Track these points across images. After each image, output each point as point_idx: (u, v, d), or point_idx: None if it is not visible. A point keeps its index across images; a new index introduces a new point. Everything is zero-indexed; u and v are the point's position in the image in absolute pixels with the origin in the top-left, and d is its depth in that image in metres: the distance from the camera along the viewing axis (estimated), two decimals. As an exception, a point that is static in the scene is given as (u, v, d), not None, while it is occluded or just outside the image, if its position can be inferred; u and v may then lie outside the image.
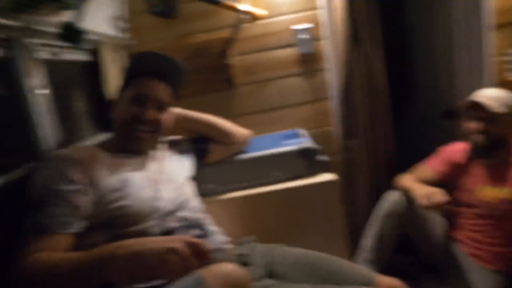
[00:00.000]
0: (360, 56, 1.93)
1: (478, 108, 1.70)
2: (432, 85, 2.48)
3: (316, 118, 2.10)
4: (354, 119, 1.92)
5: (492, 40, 1.90)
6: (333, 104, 2.06)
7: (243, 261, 1.21)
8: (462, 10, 1.98)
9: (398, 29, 2.98)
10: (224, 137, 1.52)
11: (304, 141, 1.63)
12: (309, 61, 2.04)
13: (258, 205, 1.49)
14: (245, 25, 1.97)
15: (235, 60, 2.02)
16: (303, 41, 1.98)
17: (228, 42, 1.99)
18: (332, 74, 2.01)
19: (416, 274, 2.05)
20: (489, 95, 1.70)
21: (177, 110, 1.41)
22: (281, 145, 1.62)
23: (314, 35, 1.99)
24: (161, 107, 1.22)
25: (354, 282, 1.23)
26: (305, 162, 1.52)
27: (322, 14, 1.98)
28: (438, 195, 1.60)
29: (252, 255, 1.26)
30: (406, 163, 2.13)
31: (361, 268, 1.31)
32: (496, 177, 1.76)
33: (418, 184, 1.79)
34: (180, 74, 1.30)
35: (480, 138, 1.71)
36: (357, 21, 1.90)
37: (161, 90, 1.22)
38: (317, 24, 1.99)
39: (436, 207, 1.58)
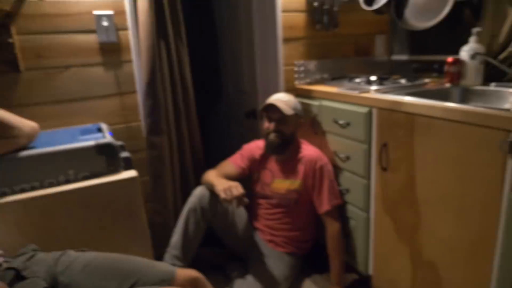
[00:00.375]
0: (165, 51, 1.89)
1: (272, 110, 1.89)
2: (238, 88, 2.64)
3: (122, 112, 1.97)
4: (159, 114, 1.87)
5: (285, 51, 2.15)
6: (136, 98, 1.97)
7: (17, 275, 1.05)
8: (261, 23, 2.16)
9: (210, 32, 3.09)
10: (2, 129, 1.28)
11: (105, 137, 1.51)
12: (113, 51, 1.89)
13: (48, 208, 1.29)
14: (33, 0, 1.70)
15: (19, 39, 1.71)
16: (105, 28, 1.82)
17: (9, 17, 1.68)
18: (135, 66, 1.92)
19: (223, 263, 2.15)
20: (281, 99, 1.90)
21: None
22: (78, 141, 1.46)
23: (118, 23, 1.86)
24: None
25: (154, 279, 1.19)
26: (105, 159, 1.41)
27: (123, 2, 1.86)
28: (234, 189, 1.70)
29: (30, 267, 1.10)
30: (216, 159, 2.21)
31: (160, 264, 1.28)
32: (287, 171, 1.99)
33: (219, 179, 1.88)
34: None
35: (273, 136, 1.91)
36: (161, 14, 1.86)
37: None
38: (122, 13, 1.86)
39: (232, 200, 1.67)
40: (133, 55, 1.91)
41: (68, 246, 1.26)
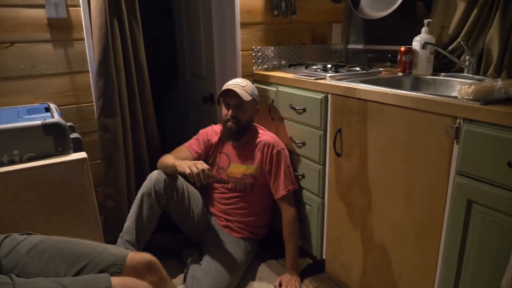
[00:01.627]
0: (118, 29, 1.81)
1: (230, 96, 1.88)
2: (195, 72, 2.60)
3: (73, 92, 1.88)
4: (112, 95, 1.80)
5: (243, 36, 2.13)
6: (87, 78, 1.89)
7: None
8: (219, 6, 2.12)
9: (166, 13, 3.01)
10: None
11: (53, 117, 1.43)
12: (63, 28, 1.79)
13: None
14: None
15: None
16: (54, 3, 1.72)
17: None
18: (87, 45, 1.83)
19: (178, 249, 2.13)
20: (239, 84, 1.89)
21: None
22: (24, 120, 1.38)
23: (66, -2, 1.77)
24: None
25: (105, 263, 1.16)
26: (53, 139, 1.34)
27: None
28: (199, 164, 1.70)
29: None
30: (173, 143, 2.17)
31: (112, 248, 1.24)
32: (244, 156, 1.99)
33: (180, 160, 1.85)
34: None
35: (231, 123, 1.90)
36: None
37: None
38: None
39: (198, 174, 1.66)
40: (85, 33, 1.82)
41: (12, 230, 1.20)
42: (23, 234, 1.19)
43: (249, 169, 1.97)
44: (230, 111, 1.89)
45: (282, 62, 2.29)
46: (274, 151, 1.92)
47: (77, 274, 1.13)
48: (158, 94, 3.06)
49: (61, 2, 1.74)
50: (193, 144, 2.04)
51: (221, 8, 2.12)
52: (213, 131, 2.06)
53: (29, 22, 1.72)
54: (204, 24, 2.31)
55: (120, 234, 1.84)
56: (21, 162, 1.29)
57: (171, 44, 2.98)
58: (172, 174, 1.88)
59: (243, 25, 2.12)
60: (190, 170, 1.68)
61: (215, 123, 2.15)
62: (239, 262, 1.91)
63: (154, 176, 1.87)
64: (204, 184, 1.70)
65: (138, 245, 1.82)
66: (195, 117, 2.71)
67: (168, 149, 2.08)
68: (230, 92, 1.87)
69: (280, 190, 1.91)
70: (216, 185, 2.06)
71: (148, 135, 2.07)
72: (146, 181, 1.88)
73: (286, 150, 1.96)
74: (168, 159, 1.91)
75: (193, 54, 2.59)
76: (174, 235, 2.19)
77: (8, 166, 1.26)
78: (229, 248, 1.94)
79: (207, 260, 1.88)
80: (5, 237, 1.14)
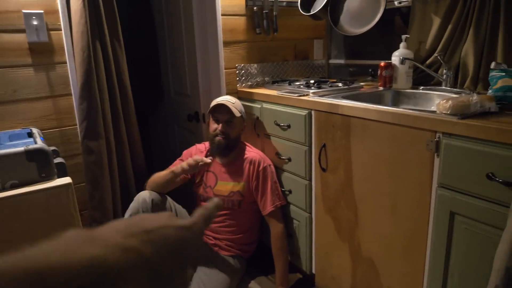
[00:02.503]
0: (100, 51, 1.82)
1: (221, 112, 1.89)
2: (180, 90, 2.60)
3: (56, 116, 1.87)
4: (96, 118, 1.80)
5: (226, 54, 2.15)
6: (71, 101, 1.87)
7: None
8: (202, 25, 2.15)
9: (148, 33, 3.02)
10: None
11: (36, 142, 1.42)
12: (44, 52, 1.78)
13: None
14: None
15: None
16: (34, 27, 1.72)
17: None
18: (69, 68, 1.83)
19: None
20: (230, 101, 1.91)
21: None
22: (6, 146, 1.36)
23: (50, 23, 1.76)
24: None
25: None
26: (36, 165, 1.32)
27: (56, 1, 1.77)
28: (192, 159, 1.78)
29: None
30: (159, 163, 2.16)
31: None
32: (231, 173, 1.99)
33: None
34: None
35: (220, 138, 1.91)
36: (97, 13, 1.79)
37: None
38: (54, 12, 1.77)
39: (197, 163, 1.75)
40: (67, 56, 1.82)
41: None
42: None
43: (236, 186, 1.97)
44: (220, 126, 1.90)
45: (266, 79, 2.32)
46: (261, 168, 1.92)
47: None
48: (143, 113, 3.06)
49: (42, 26, 1.73)
50: (177, 165, 2.03)
51: (203, 28, 2.15)
52: (197, 150, 2.06)
53: (10, 47, 1.71)
54: (187, 43, 2.33)
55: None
56: (3, 190, 1.27)
57: (154, 64, 2.98)
58: (167, 184, 1.87)
59: (226, 43, 2.14)
60: (198, 160, 1.77)
61: (200, 141, 2.15)
62: (229, 281, 1.90)
63: (141, 196, 1.86)
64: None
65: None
66: (181, 135, 2.71)
67: (154, 168, 2.07)
68: (221, 108, 1.88)
69: (268, 206, 1.92)
70: (204, 203, 2.05)
71: (134, 155, 2.06)
72: (133, 202, 1.87)
73: (272, 166, 1.97)
74: (160, 173, 1.92)
75: (177, 73, 2.60)
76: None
77: (-10, 194, 1.24)
78: (218, 267, 1.93)
79: (197, 280, 1.86)
80: None
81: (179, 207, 2.01)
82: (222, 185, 2.00)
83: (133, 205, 1.85)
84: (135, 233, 0.35)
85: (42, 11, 1.73)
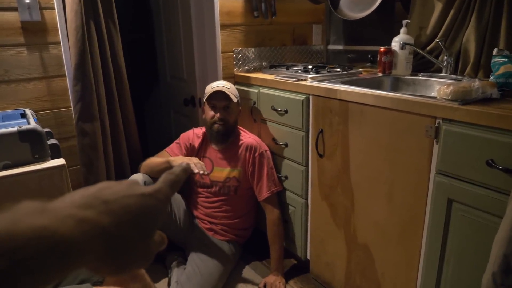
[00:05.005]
0: (95, 32, 1.78)
1: (218, 98, 1.86)
2: (176, 75, 2.57)
3: (50, 97, 1.84)
4: (90, 99, 1.77)
5: (223, 38, 2.12)
6: (64, 83, 1.84)
7: None
8: (199, 9, 2.10)
9: (144, 15, 2.97)
10: None
11: (29, 122, 1.39)
12: (37, 31, 1.74)
13: None
14: None
15: None
16: (27, 5, 1.67)
17: None
18: (63, 49, 1.79)
19: (161, 253, 2.09)
20: (225, 87, 1.88)
21: None
22: (-2, 127, 1.34)
23: (43, 2, 1.71)
24: None
25: (86, 271, 1.13)
26: (29, 146, 1.30)
27: None
28: (195, 159, 1.74)
29: None
30: (155, 147, 2.14)
31: None
32: (227, 159, 1.97)
33: (171, 158, 1.86)
34: None
35: (219, 125, 1.88)
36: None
37: None
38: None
39: (201, 169, 1.70)
40: (60, 36, 1.78)
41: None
42: None
43: (232, 172, 1.96)
44: (218, 113, 1.88)
45: (263, 64, 2.29)
46: (257, 153, 1.91)
47: (58, 284, 1.10)
48: (138, 97, 3.02)
49: (35, 5, 1.69)
50: (174, 149, 2.01)
51: (200, 10, 2.11)
52: (194, 135, 2.04)
53: (1, 25, 1.67)
54: (184, 26, 2.29)
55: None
56: (-5, 170, 1.25)
57: (150, 47, 2.94)
58: (162, 172, 1.85)
59: (223, 26, 2.11)
60: (198, 169, 1.71)
61: (196, 125, 2.13)
62: (223, 265, 1.89)
63: (134, 179, 1.83)
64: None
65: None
66: (177, 119, 2.68)
67: (149, 152, 2.05)
68: (218, 94, 1.85)
69: (264, 192, 1.91)
70: (200, 189, 2.04)
71: (129, 139, 2.04)
72: (126, 185, 1.85)
73: (268, 152, 1.95)
74: (156, 159, 1.89)
75: (173, 57, 2.56)
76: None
77: (-18, 175, 1.21)
78: (213, 252, 1.93)
79: (191, 264, 1.86)
80: None
81: (175, 196, 1.99)
82: (218, 171, 1.98)
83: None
84: (92, 204, 0.35)
85: (35, -11, 1.69)
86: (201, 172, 1.69)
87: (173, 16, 2.41)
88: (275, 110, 1.87)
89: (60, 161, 1.30)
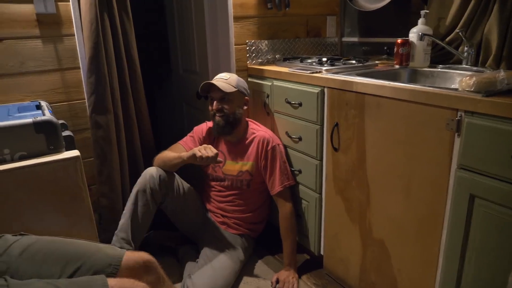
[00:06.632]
0: (109, 24, 1.77)
1: (214, 90, 1.84)
2: (189, 68, 2.56)
3: (64, 90, 1.84)
4: (104, 92, 1.77)
5: (236, 30, 2.09)
6: (79, 75, 1.84)
7: None
8: (212, 1, 2.08)
9: (157, 7, 2.96)
10: None
11: (44, 114, 1.39)
12: (51, 24, 1.74)
13: None
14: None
15: None
16: (41, -3, 1.68)
17: None
18: (77, 41, 1.79)
19: (174, 246, 2.10)
20: (221, 78, 1.87)
21: None
22: (15, 118, 1.33)
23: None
24: None
25: (100, 264, 1.13)
26: (45, 137, 1.30)
27: None
28: (208, 149, 1.70)
29: None
30: (167, 140, 2.14)
31: (107, 248, 1.21)
32: (238, 153, 1.96)
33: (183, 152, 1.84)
34: None
35: (218, 117, 1.87)
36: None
37: None
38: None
39: (209, 156, 1.67)
40: (75, 29, 1.77)
41: (5, 231, 1.17)
42: (16, 235, 1.16)
43: (244, 166, 1.94)
44: (214, 104, 1.86)
45: (277, 56, 2.26)
46: (269, 147, 1.89)
47: (72, 275, 1.10)
48: (150, 89, 3.02)
49: (50, -3, 1.69)
50: (188, 142, 2.00)
51: (213, 2, 2.08)
52: (208, 128, 2.02)
53: (17, 17, 1.68)
54: (197, 18, 2.27)
55: (115, 232, 1.81)
56: (12, 161, 1.25)
57: (163, 39, 2.93)
58: (174, 167, 1.85)
59: (236, 18, 2.08)
60: (200, 152, 1.68)
61: (208, 119, 2.11)
62: (236, 259, 1.88)
63: (149, 172, 1.84)
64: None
65: (134, 243, 1.79)
66: (189, 112, 2.67)
67: (162, 145, 2.05)
68: (211, 87, 1.84)
69: (276, 186, 1.89)
70: (213, 182, 2.03)
71: (142, 131, 2.03)
72: (140, 178, 1.85)
73: (281, 146, 1.93)
74: (169, 153, 1.88)
75: (186, 49, 2.55)
76: (170, 233, 2.16)
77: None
78: (226, 245, 1.92)
79: (203, 257, 1.85)
80: None
81: (186, 185, 1.99)
82: (230, 164, 1.97)
83: (140, 181, 1.83)
84: None
85: (49, -20, 1.69)
86: (206, 155, 1.67)
87: (186, 8, 2.39)
88: (289, 103, 1.85)
89: (75, 153, 1.30)
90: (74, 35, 1.79)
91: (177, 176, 1.93)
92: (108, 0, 1.76)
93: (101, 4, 1.72)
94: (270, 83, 1.99)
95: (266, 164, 1.90)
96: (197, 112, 2.48)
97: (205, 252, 1.89)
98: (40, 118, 1.29)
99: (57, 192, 1.27)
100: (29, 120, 1.27)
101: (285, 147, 1.95)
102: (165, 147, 1.99)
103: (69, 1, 1.74)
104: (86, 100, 1.84)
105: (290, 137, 1.90)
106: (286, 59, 2.17)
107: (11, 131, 1.24)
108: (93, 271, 1.12)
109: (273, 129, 2.01)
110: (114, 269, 1.14)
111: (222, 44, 2.13)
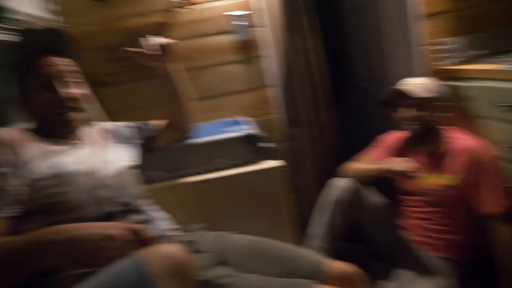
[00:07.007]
0: (299, 44, 1.90)
1: (405, 96, 1.72)
2: (367, 75, 2.50)
3: (256, 106, 2.04)
4: (296, 106, 1.88)
5: (422, 29, 1.94)
6: (274, 92, 2.00)
7: (192, 248, 1.10)
8: (393, 4, 2.00)
9: (334, 19, 3.01)
10: (182, 118, 1.39)
11: (247, 128, 1.54)
12: (247, 48, 1.97)
13: (204, 192, 1.41)
14: (180, 10, 1.88)
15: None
16: (239, 27, 1.92)
17: (162, 27, 1.87)
18: (271, 61, 1.96)
19: (366, 262, 2.01)
20: (412, 83, 1.73)
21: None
22: (226, 132, 1.53)
23: (250, 21, 1.93)
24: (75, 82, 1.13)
25: (307, 267, 1.16)
26: (250, 148, 1.44)
27: (255, 1, 1.93)
28: (404, 161, 1.64)
29: (202, 242, 1.16)
30: (349, 152, 2.11)
31: (312, 253, 1.24)
32: (435, 164, 1.76)
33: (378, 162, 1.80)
34: (66, 43, 1.19)
35: (414, 125, 1.73)
36: (293, 8, 1.86)
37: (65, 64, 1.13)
38: (255, 11, 1.93)
39: (411, 172, 1.61)
40: (266, 50, 1.95)
41: (221, 228, 1.28)
42: (229, 233, 1.28)
43: (446, 180, 1.73)
44: (408, 111, 1.73)
45: (476, 53, 1.99)
46: (477, 158, 1.64)
47: (278, 276, 1.14)
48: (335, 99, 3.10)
49: (245, 26, 1.92)
50: (374, 152, 1.92)
51: (393, 1, 2.00)
52: (394, 138, 1.90)
53: (220, 47, 1.96)
54: (374, 23, 2.21)
55: (307, 240, 1.83)
56: (225, 169, 1.42)
57: (342, 48, 2.96)
58: (367, 179, 1.81)
59: (424, 16, 1.92)
60: (396, 165, 1.64)
61: (393, 129, 1.99)
62: (436, 286, 1.69)
63: (342, 183, 1.81)
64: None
65: (330, 253, 1.77)
66: (371, 122, 2.60)
67: (346, 155, 2.02)
68: (401, 93, 1.71)
69: (486, 205, 1.62)
70: (408, 197, 1.88)
71: (333, 142, 2.07)
72: (333, 188, 1.82)
73: (491, 157, 1.67)
74: (361, 165, 1.86)
75: (366, 57, 2.51)
76: (361, 247, 2.09)
77: (217, 172, 1.40)
78: (425, 269, 1.73)
79: (401, 280, 1.73)
80: (217, 235, 1.23)
81: (379, 198, 1.90)
82: (428, 177, 1.79)
83: (336, 192, 1.80)
84: None
85: (245, 12, 1.92)
86: (402, 168, 1.58)
87: (369, 16, 2.35)
88: (498, 106, 1.60)
89: (279, 162, 1.39)
90: (263, 57, 1.98)
91: (369, 188, 1.87)
92: (299, 22, 1.88)
93: (291, 27, 1.86)
94: (471, 84, 1.78)
95: (473, 179, 1.65)
96: (380, 121, 2.39)
97: (401, 274, 1.75)
98: (246, 131, 1.44)
99: (262, 197, 1.38)
100: (239, 133, 1.43)
101: (498, 158, 1.68)
102: (350, 155, 1.96)
103: (262, 27, 1.94)
104: (280, 115, 1.97)
105: (502, 146, 1.64)
106: (487, 55, 1.91)
107: (226, 143, 1.41)
108: (297, 275, 1.15)
109: (479, 137, 1.77)
110: (319, 276, 1.15)
111: (406, 46, 2.01)
